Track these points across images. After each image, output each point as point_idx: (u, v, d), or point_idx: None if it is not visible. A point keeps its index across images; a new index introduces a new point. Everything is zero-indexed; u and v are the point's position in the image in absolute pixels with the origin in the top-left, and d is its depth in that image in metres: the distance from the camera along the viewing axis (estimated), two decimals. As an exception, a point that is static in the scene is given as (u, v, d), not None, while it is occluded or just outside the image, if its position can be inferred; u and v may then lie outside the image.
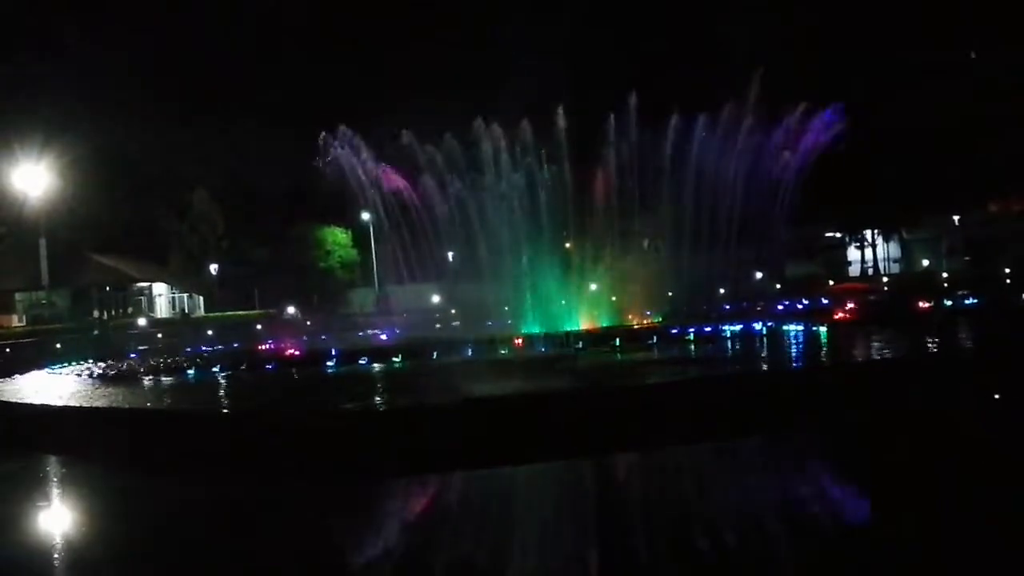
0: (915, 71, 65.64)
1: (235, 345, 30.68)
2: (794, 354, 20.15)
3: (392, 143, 30.33)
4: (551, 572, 7.62)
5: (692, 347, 22.02)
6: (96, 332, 49.50)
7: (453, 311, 43.72)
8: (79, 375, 21.64)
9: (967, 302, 31.57)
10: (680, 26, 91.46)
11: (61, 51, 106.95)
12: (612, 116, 30.60)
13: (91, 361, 25.41)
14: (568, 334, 25.53)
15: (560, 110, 30.33)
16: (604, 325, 28.35)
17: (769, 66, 31.08)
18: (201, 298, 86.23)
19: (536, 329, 26.09)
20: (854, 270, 77.68)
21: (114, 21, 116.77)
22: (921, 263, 76.73)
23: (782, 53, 63.17)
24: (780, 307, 33.16)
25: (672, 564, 7.51)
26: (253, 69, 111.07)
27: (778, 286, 49.58)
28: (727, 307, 34.68)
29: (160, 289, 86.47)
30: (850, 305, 29.72)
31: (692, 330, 23.63)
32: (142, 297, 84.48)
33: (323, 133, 30.62)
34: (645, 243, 34.35)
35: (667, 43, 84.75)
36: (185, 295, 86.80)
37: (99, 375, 21.69)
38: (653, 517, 9.19)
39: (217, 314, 69.81)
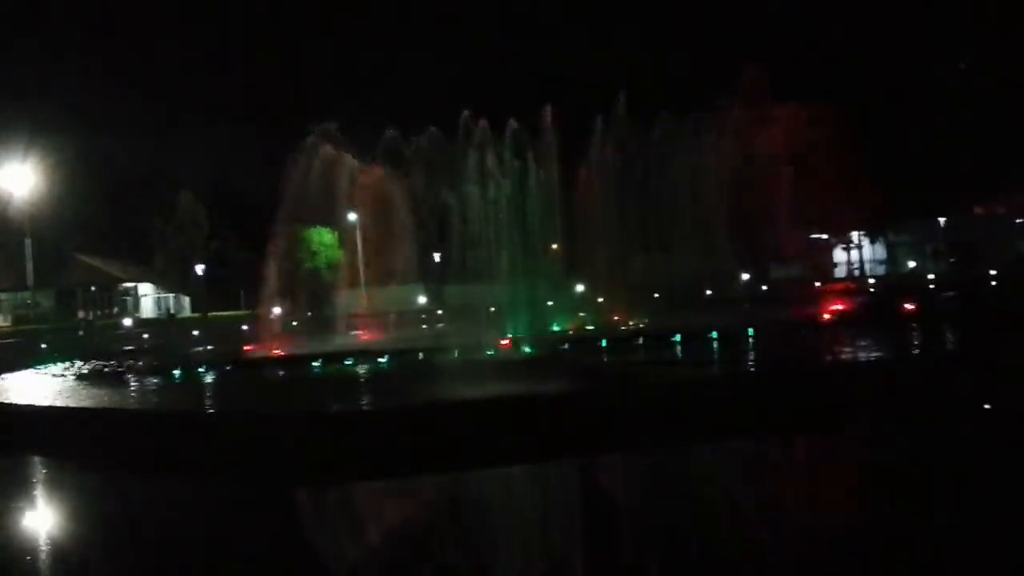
0: (907, 75, 66.04)
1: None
2: (779, 355, 20.11)
3: (378, 144, 30.22)
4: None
5: (678, 349, 22.02)
6: (81, 332, 49.35)
7: (439, 312, 43.72)
8: (64, 375, 21.54)
9: (952, 304, 31.68)
10: (672, 24, 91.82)
11: (47, 53, 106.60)
12: (599, 117, 30.60)
13: (77, 361, 25.30)
14: (554, 336, 25.52)
15: (548, 111, 30.31)
16: (590, 327, 28.32)
17: (761, 67, 30.98)
18: (187, 299, 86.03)
19: (522, 331, 26.04)
20: (840, 272, 77.89)
21: (101, 24, 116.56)
22: (907, 265, 76.96)
23: (779, 54, 63.61)
24: (765, 308, 33.15)
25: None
26: (239, 71, 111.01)
27: (764, 287, 49.70)
28: (712, 309, 34.68)
29: (146, 290, 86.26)
30: (836, 306, 29.77)
31: (678, 332, 23.60)
32: (128, 297, 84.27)
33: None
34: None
35: (661, 40, 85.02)
36: (171, 295, 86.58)
37: (84, 375, 21.60)
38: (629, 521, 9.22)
39: (202, 315, 69.70)
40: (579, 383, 15.57)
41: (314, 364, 22.73)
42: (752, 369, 17.81)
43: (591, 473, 11.27)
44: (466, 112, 29.65)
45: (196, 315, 71.83)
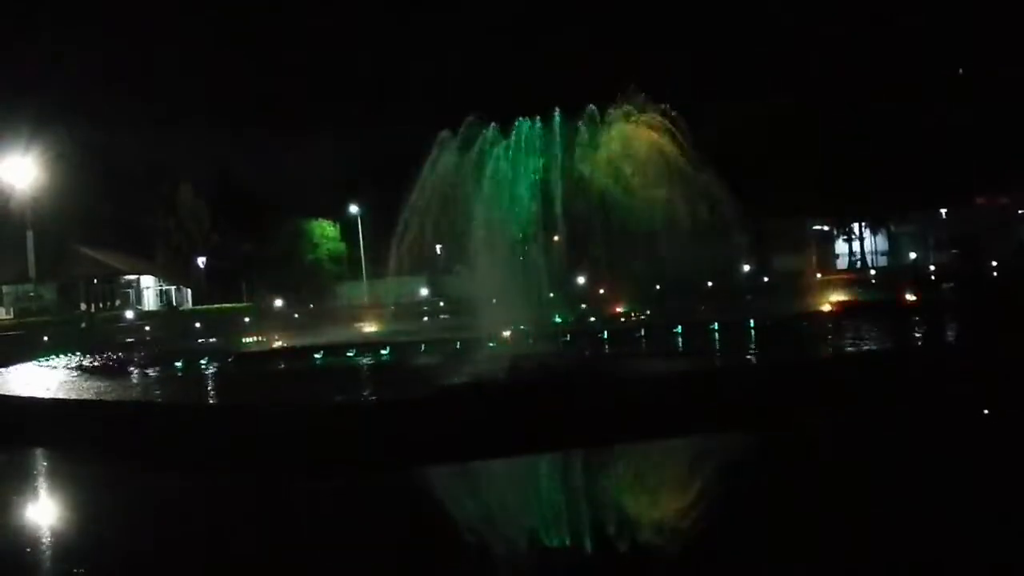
0: (910, 69, 66.17)
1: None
2: (781, 347, 20.09)
3: (378, 140, 30.23)
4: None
5: (679, 340, 22.01)
6: (84, 325, 49.43)
7: (442, 304, 43.78)
8: (67, 368, 21.59)
9: (953, 295, 31.71)
10: (677, 19, 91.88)
11: (49, 47, 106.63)
12: (595, 108, 30.58)
13: (79, 353, 25.34)
14: (556, 328, 25.53)
15: (551, 107, 30.30)
16: (592, 319, 28.36)
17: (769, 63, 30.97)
18: (189, 291, 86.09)
19: (524, 323, 26.04)
20: (842, 263, 77.90)
21: (103, 19, 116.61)
22: (908, 256, 76.89)
23: (780, 52, 63.88)
24: (766, 300, 33.18)
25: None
26: (237, 65, 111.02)
27: (765, 279, 49.68)
28: (714, 300, 34.68)
29: (148, 282, 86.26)
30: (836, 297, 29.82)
31: (679, 323, 23.59)
32: (130, 290, 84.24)
33: None
34: None
35: (660, 36, 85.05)
36: (172, 288, 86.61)
37: (87, 367, 21.65)
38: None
39: (204, 307, 69.77)
40: (577, 375, 15.63)
41: (315, 356, 22.74)
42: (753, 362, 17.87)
43: (585, 464, 11.34)
44: (469, 109, 29.68)
45: (198, 307, 71.83)
